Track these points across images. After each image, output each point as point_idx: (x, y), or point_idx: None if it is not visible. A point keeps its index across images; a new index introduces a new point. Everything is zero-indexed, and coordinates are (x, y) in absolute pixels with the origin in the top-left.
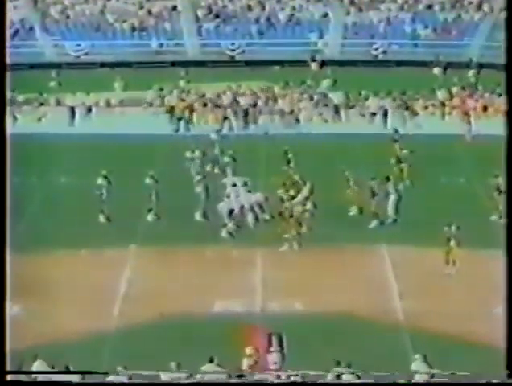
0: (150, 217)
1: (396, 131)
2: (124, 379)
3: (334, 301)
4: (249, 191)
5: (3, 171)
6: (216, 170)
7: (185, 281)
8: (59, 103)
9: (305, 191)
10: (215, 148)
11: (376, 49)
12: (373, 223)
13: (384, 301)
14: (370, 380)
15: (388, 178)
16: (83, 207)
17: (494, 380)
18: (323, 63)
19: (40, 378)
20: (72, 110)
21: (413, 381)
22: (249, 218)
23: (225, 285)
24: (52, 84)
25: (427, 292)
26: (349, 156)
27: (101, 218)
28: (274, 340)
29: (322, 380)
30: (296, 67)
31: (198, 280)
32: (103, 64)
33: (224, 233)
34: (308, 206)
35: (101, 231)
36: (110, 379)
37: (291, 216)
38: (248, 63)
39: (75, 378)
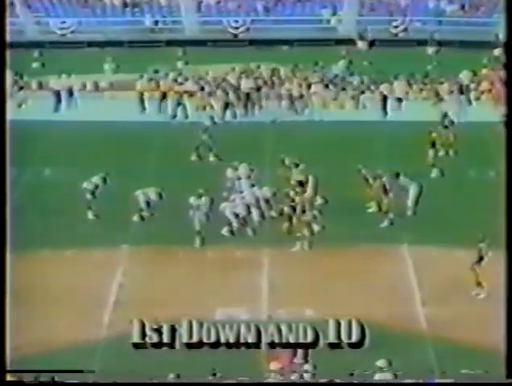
0: (143, 213)
1: (445, 116)
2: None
3: (349, 308)
4: (254, 185)
5: (3, 167)
6: (214, 160)
7: (183, 286)
8: (41, 86)
9: (310, 186)
10: (215, 136)
11: (396, 27)
12: (393, 221)
13: (405, 307)
14: (371, 381)
15: (398, 175)
16: (69, 203)
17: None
18: (372, 43)
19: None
20: (57, 95)
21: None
22: (255, 215)
23: (228, 290)
24: (34, 65)
25: (453, 298)
26: (368, 146)
27: (90, 215)
28: (300, 350)
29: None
30: (306, 46)
31: (198, 284)
32: (91, 44)
33: (226, 232)
34: (320, 201)
35: (90, 229)
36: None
37: (300, 213)
38: (253, 42)
39: (75, 378)
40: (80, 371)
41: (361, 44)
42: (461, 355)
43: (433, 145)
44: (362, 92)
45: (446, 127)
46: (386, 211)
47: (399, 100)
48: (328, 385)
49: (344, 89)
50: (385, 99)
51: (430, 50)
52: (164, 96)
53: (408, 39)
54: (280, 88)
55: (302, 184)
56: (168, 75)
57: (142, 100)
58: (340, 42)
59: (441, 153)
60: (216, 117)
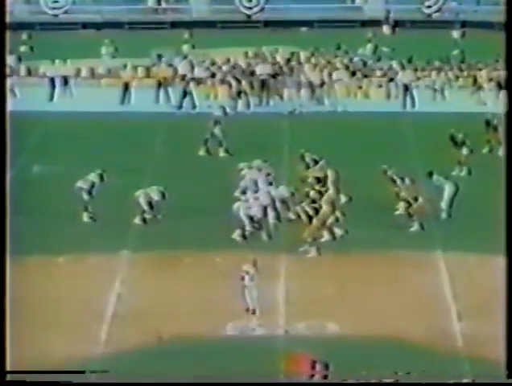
0: (145, 216)
1: (488, 123)
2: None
3: (377, 322)
4: (271, 184)
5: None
6: (224, 155)
7: (189, 296)
8: (30, 73)
9: (330, 182)
10: (226, 129)
11: (429, 7)
12: (425, 225)
13: (438, 321)
14: (374, 380)
15: (431, 173)
16: (62, 203)
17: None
18: (396, 25)
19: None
20: (51, 82)
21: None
22: (270, 217)
23: (240, 302)
24: (23, 49)
25: (492, 311)
26: (396, 140)
27: (85, 217)
28: (319, 368)
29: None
30: (328, 28)
31: (206, 294)
32: (87, 25)
33: (237, 236)
34: (343, 200)
35: (85, 233)
36: None
37: (321, 214)
38: (268, 23)
39: (75, 378)
40: (82, 372)
41: (389, 26)
42: (500, 375)
43: (462, 144)
44: (391, 80)
45: (495, 129)
46: (416, 214)
47: (435, 90)
48: (329, 385)
49: (368, 76)
50: (406, 88)
51: (467, 32)
52: (160, 84)
53: (443, 20)
54: (299, 74)
55: (320, 181)
56: (173, 60)
57: (126, 89)
58: (366, 23)
59: (484, 150)
60: (228, 107)
